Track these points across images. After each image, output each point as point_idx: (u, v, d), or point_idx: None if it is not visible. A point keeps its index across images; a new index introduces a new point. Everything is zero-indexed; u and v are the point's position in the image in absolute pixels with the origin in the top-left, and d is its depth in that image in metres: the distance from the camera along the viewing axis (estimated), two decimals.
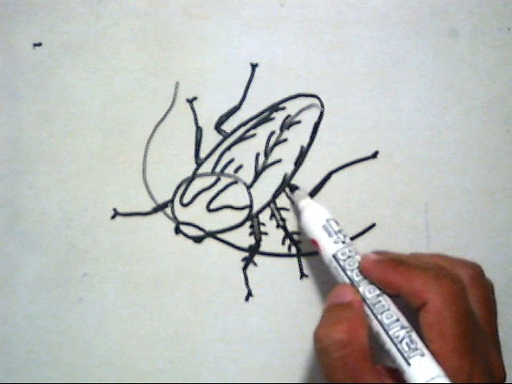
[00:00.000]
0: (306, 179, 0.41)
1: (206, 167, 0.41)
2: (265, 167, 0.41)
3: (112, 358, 0.41)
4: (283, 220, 0.41)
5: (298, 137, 0.41)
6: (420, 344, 0.31)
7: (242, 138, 0.41)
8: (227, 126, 0.41)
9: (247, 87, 0.41)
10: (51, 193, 0.41)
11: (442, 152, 0.41)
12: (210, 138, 0.41)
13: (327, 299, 0.34)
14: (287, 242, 0.41)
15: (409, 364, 0.31)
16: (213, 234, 0.41)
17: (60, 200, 0.41)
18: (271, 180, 0.41)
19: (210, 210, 0.41)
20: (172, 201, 0.41)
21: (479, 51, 0.41)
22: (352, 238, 0.40)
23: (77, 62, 0.41)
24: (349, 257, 0.35)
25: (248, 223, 0.41)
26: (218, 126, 0.41)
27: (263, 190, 0.41)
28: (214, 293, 0.40)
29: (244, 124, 0.41)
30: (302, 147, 0.41)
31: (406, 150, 0.41)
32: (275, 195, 0.41)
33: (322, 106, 0.41)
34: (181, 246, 0.41)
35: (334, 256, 0.35)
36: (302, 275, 0.40)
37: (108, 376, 0.41)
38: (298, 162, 0.41)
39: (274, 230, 0.41)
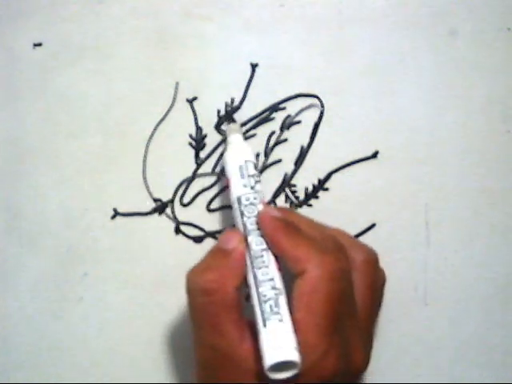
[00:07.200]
0: (306, 179, 0.41)
1: (206, 167, 0.41)
2: (265, 167, 0.41)
3: (112, 358, 0.41)
4: None
5: (297, 137, 0.41)
6: (284, 310, 0.30)
7: None
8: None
9: (247, 87, 0.41)
10: (51, 193, 0.41)
11: (442, 152, 0.41)
12: (210, 138, 0.41)
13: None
14: None
15: (265, 325, 0.30)
16: (213, 234, 0.41)
17: (60, 200, 0.41)
18: (271, 180, 0.41)
19: (209, 210, 0.41)
20: (172, 201, 0.41)
21: (479, 51, 0.41)
22: None
23: (77, 61, 0.41)
24: (251, 203, 0.33)
25: None
26: (218, 126, 0.41)
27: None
28: None
29: (244, 124, 0.41)
30: (302, 147, 0.41)
31: (406, 150, 0.41)
32: (275, 195, 0.41)
33: (322, 105, 0.41)
34: (181, 246, 0.41)
35: (239, 199, 0.34)
36: None
37: (108, 376, 0.41)
38: (298, 162, 0.41)
39: None
